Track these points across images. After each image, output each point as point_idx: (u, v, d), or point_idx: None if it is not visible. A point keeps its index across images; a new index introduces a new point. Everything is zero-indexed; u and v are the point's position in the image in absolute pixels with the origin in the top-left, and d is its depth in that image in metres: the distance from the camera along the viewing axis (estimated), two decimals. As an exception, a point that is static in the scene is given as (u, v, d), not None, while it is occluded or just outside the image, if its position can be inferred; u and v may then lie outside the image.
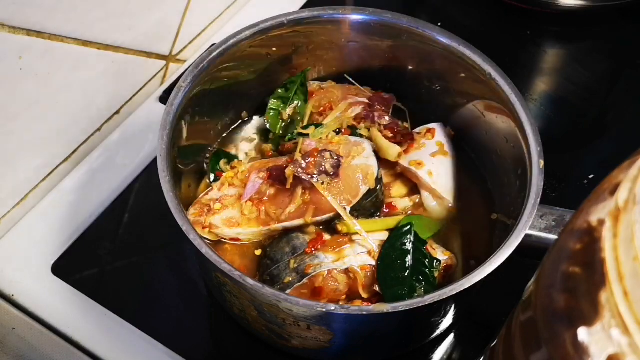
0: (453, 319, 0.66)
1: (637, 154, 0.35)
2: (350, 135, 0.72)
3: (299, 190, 0.66)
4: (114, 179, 0.81)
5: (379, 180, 0.67)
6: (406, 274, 0.62)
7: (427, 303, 0.54)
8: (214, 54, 0.68)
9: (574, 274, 0.34)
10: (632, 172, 0.34)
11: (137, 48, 0.85)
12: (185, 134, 0.68)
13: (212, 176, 0.73)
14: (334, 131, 0.72)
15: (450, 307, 0.62)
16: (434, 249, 0.66)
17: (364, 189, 0.66)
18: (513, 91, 0.66)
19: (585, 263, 0.33)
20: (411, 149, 0.72)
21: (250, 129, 0.78)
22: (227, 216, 0.68)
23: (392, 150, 0.71)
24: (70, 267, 0.75)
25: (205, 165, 0.74)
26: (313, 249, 0.64)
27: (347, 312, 0.54)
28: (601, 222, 0.33)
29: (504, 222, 0.67)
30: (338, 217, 0.65)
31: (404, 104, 0.78)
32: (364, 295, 0.63)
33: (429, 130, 0.74)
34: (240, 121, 0.78)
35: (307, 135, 0.71)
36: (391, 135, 0.73)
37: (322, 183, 0.65)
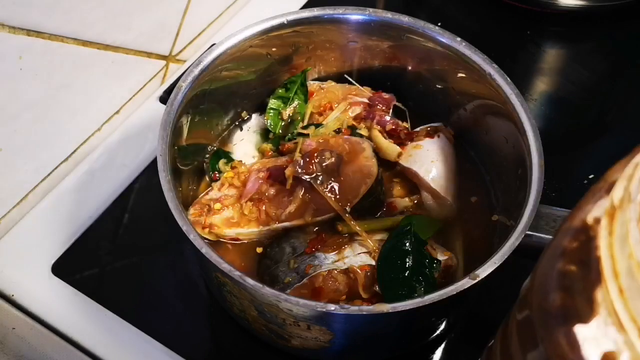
0: (453, 318, 0.66)
1: (633, 153, 0.35)
2: (350, 135, 0.72)
3: (299, 190, 0.66)
4: (114, 179, 0.81)
5: (379, 180, 0.67)
6: (406, 274, 0.62)
7: (427, 303, 0.54)
8: (214, 54, 0.68)
9: (570, 272, 0.34)
10: (628, 170, 0.34)
11: (137, 48, 0.85)
12: (185, 134, 0.68)
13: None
14: (334, 131, 0.72)
15: (450, 307, 0.62)
16: (434, 249, 0.66)
17: (364, 189, 0.66)
18: (513, 91, 0.66)
19: (581, 261, 0.33)
20: (411, 149, 0.72)
21: (250, 129, 0.78)
22: (227, 216, 0.68)
23: (392, 150, 0.71)
24: (70, 267, 0.75)
25: (205, 165, 0.74)
26: (313, 249, 0.64)
27: (347, 312, 0.54)
28: (597, 221, 0.33)
29: (504, 222, 0.67)
30: (338, 217, 0.65)
31: (404, 104, 0.78)
32: (364, 296, 0.63)
33: (429, 130, 0.74)
34: (240, 121, 0.78)
35: (307, 135, 0.71)
36: (391, 135, 0.73)
37: (322, 183, 0.65)
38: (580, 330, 0.32)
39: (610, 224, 0.32)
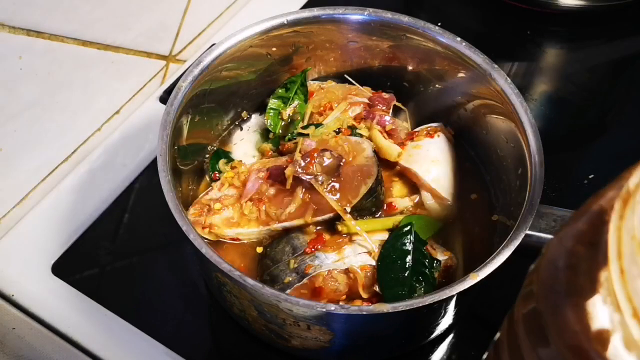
0: (453, 319, 0.66)
1: None
2: (350, 135, 0.72)
3: (299, 190, 0.66)
4: (114, 179, 0.81)
5: (379, 180, 0.67)
6: (406, 274, 0.62)
7: (427, 303, 0.54)
8: (214, 54, 0.68)
9: (579, 252, 0.35)
10: None
11: (137, 48, 0.85)
12: (185, 134, 0.68)
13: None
14: (334, 131, 0.72)
15: (450, 307, 0.62)
16: (434, 249, 0.66)
17: (364, 189, 0.66)
18: (513, 91, 0.66)
19: (591, 243, 0.34)
20: (411, 149, 0.72)
21: (250, 129, 0.78)
22: (227, 216, 0.68)
23: (392, 150, 0.71)
24: (70, 267, 0.75)
25: (205, 165, 0.74)
26: (313, 249, 0.64)
27: (347, 312, 0.54)
28: (612, 206, 0.34)
29: (504, 222, 0.67)
30: (338, 217, 0.65)
31: (404, 104, 0.78)
32: (364, 295, 0.63)
33: (429, 130, 0.74)
34: (240, 121, 0.78)
35: (307, 135, 0.71)
36: (391, 135, 0.73)
37: (322, 183, 0.65)
38: (579, 306, 0.33)
39: (622, 208, 0.33)
